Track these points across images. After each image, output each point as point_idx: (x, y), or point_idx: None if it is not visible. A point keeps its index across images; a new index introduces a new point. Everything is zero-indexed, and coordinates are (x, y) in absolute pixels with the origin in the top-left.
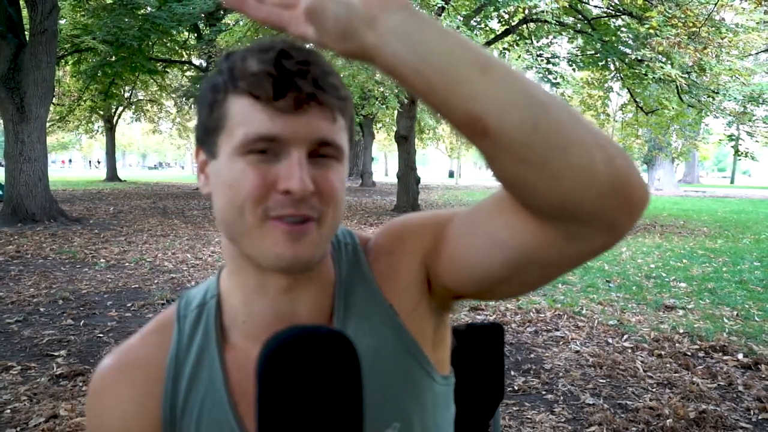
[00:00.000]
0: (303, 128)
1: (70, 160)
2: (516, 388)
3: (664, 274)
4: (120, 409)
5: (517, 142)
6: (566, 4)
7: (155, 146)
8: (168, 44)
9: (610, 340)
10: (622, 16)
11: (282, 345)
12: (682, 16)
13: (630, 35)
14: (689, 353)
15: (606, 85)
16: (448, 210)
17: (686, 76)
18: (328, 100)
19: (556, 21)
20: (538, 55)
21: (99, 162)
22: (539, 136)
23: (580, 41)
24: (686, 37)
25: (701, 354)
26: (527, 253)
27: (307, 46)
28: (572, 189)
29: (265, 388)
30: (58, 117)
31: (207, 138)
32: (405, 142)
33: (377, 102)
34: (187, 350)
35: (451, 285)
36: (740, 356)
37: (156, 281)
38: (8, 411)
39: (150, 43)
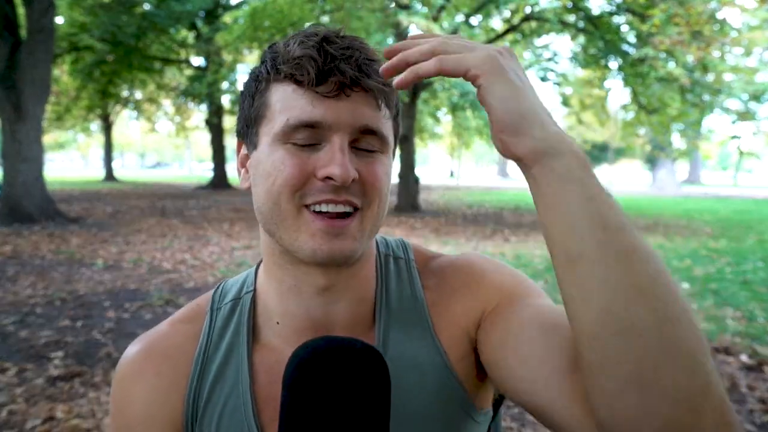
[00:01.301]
0: (345, 114)
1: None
2: None
3: None
4: (144, 398)
5: (609, 363)
6: (568, 2)
7: (153, 145)
8: (166, 43)
9: None
10: (624, 14)
11: (314, 355)
12: (685, 14)
13: (632, 33)
14: None
15: (605, 84)
16: (529, 285)
17: (689, 74)
18: (372, 86)
19: (558, 20)
20: (538, 54)
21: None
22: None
23: (581, 40)
24: (689, 36)
25: None
26: (555, 423)
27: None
28: (665, 420)
29: (292, 398)
30: (55, 116)
31: (248, 129)
32: (405, 141)
33: None
34: (217, 346)
35: (482, 360)
36: (744, 357)
37: (154, 282)
38: (4, 413)
39: (147, 42)
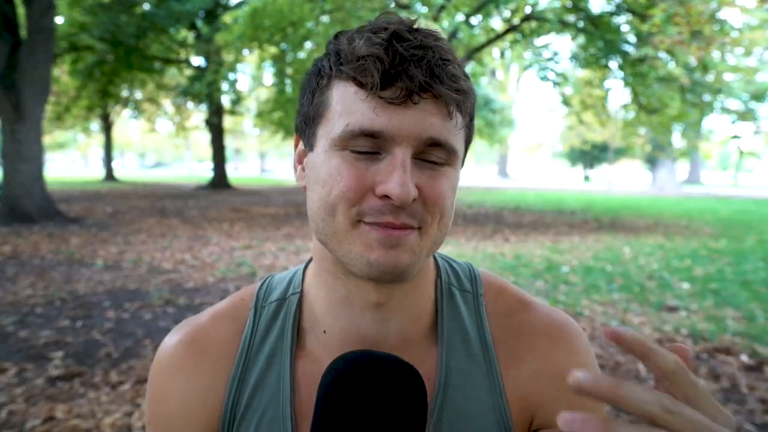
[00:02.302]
0: (411, 124)
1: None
2: None
3: (666, 275)
4: (182, 395)
5: None
6: (568, 2)
7: (154, 145)
8: (165, 43)
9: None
10: (624, 14)
11: (352, 370)
12: (685, 14)
13: (632, 33)
14: (692, 354)
15: (605, 84)
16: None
17: (689, 74)
18: (444, 93)
19: (558, 19)
20: (538, 54)
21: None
22: None
23: (581, 40)
24: (689, 36)
25: (704, 355)
26: None
27: (423, 24)
28: None
29: (325, 411)
30: (55, 116)
31: (306, 127)
32: None
33: None
34: (259, 349)
35: None
36: (744, 357)
37: (154, 282)
38: (4, 413)
39: (147, 42)
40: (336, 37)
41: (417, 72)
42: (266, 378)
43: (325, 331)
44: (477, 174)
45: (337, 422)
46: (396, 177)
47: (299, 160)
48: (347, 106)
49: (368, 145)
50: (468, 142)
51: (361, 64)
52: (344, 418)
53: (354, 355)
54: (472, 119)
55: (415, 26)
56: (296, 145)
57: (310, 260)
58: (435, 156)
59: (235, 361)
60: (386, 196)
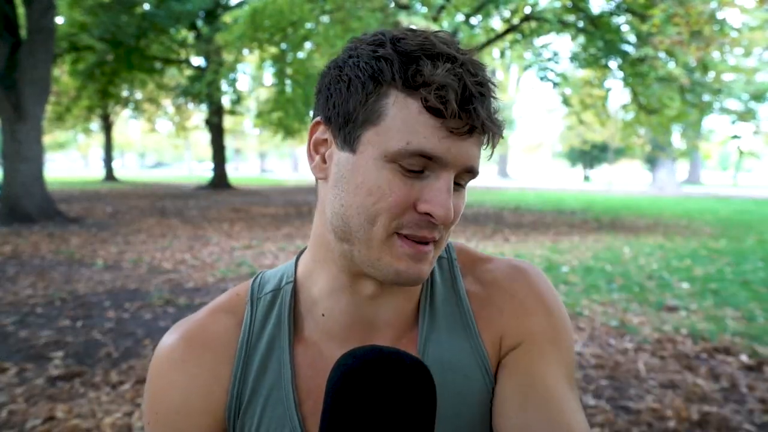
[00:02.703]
0: (463, 154)
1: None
2: None
3: (666, 275)
4: (184, 388)
5: None
6: (568, 2)
7: (154, 145)
8: (166, 43)
9: (611, 341)
10: (624, 14)
11: (362, 366)
12: (685, 14)
13: (632, 33)
14: (692, 354)
15: (605, 84)
16: (567, 338)
17: (689, 74)
18: (491, 130)
19: (558, 20)
20: (538, 54)
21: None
22: None
23: (581, 40)
24: (689, 36)
25: (704, 355)
26: None
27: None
28: None
29: (335, 407)
30: (55, 116)
31: (345, 125)
32: None
33: None
34: (258, 337)
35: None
36: (744, 357)
37: (154, 281)
38: (4, 413)
39: (147, 42)
40: (395, 42)
41: (481, 110)
42: (268, 363)
43: (323, 314)
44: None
45: (347, 418)
46: (442, 200)
47: (316, 149)
48: (410, 124)
49: (419, 165)
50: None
51: (441, 94)
52: (354, 414)
53: (362, 351)
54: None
55: (470, 57)
56: (312, 132)
57: (302, 251)
58: (464, 180)
59: (237, 350)
60: (428, 214)
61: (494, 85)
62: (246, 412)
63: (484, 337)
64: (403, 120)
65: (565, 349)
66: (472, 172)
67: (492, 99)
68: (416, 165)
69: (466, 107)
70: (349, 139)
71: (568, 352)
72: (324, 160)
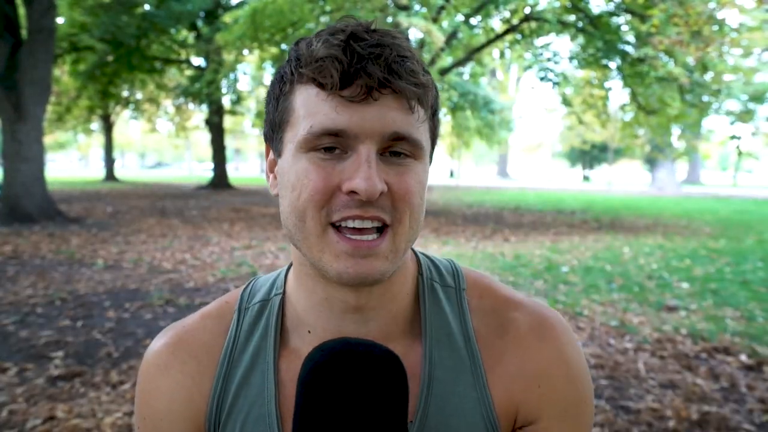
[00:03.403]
0: (373, 120)
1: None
2: None
3: (666, 275)
4: (169, 394)
5: None
6: (567, 2)
7: (154, 145)
8: (166, 43)
9: (611, 341)
10: (624, 14)
11: (330, 359)
12: (684, 14)
13: (631, 34)
14: (691, 354)
15: (606, 84)
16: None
17: (689, 74)
18: (404, 88)
19: (557, 20)
20: (538, 54)
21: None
22: None
23: (581, 40)
24: (688, 36)
25: (704, 355)
26: None
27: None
28: None
29: (306, 402)
30: (55, 116)
31: (273, 134)
32: None
33: None
34: (243, 349)
35: None
36: (743, 357)
37: (154, 282)
38: (5, 413)
39: (148, 42)
40: (296, 43)
41: (375, 69)
42: (251, 377)
43: (309, 331)
44: (477, 174)
45: (318, 412)
46: (361, 173)
47: (271, 168)
48: (309, 108)
49: (333, 144)
50: (434, 137)
51: (320, 65)
52: (325, 408)
53: (331, 345)
54: (435, 113)
55: (372, 27)
56: (267, 154)
57: (291, 265)
58: (400, 148)
59: (219, 361)
60: (353, 192)
61: (403, 47)
62: (225, 426)
63: (494, 393)
64: (305, 107)
65: (585, 424)
66: (404, 138)
67: (402, 59)
68: (330, 143)
69: (354, 70)
70: (277, 147)
71: (588, 426)
72: (276, 177)
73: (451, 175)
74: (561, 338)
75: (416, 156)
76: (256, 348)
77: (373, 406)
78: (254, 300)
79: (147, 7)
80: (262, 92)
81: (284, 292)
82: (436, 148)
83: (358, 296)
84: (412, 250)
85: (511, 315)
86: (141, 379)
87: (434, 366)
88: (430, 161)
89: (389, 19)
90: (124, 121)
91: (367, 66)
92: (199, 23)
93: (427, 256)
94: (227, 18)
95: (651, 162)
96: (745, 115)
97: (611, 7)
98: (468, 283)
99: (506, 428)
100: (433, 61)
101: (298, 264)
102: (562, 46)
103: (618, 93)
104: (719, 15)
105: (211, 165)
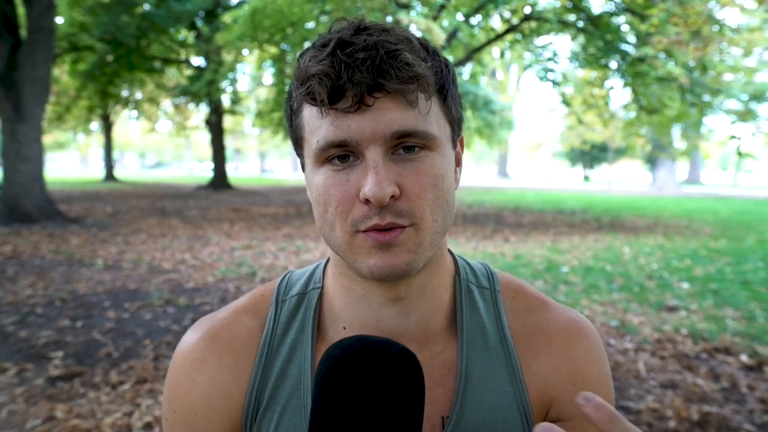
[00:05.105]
0: (372, 125)
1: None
2: None
3: (666, 275)
4: (205, 388)
5: None
6: (567, 2)
7: (154, 145)
8: (166, 43)
9: (611, 341)
10: (624, 14)
11: (348, 356)
12: (684, 14)
13: (632, 33)
14: (692, 354)
15: (606, 84)
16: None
17: (689, 74)
18: (396, 87)
19: (558, 19)
20: (538, 54)
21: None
22: None
23: (581, 39)
24: (688, 36)
25: (704, 355)
26: None
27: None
28: None
29: (323, 398)
30: (55, 116)
31: (297, 150)
32: None
33: None
34: (281, 341)
35: None
36: (744, 357)
37: (154, 282)
38: (4, 413)
39: (148, 42)
40: (300, 56)
41: (362, 76)
42: (288, 369)
43: (345, 328)
44: (477, 174)
45: (336, 408)
46: (369, 179)
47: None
48: (312, 125)
49: (344, 152)
50: (452, 119)
51: (310, 85)
52: (342, 404)
53: (349, 341)
54: (447, 94)
55: (363, 26)
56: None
57: (328, 259)
58: (410, 143)
59: (258, 353)
60: (367, 200)
61: (393, 41)
62: (263, 417)
63: (530, 388)
64: (308, 124)
65: None
66: (409, 134)
67: (393, 54)
68: (338, 153)
69: (343, 83)
70: (302, 161)
71: None
72: None
73: None
74: (592, 340)
75: (430, 147)
76: (294, 341)
77: (389, 402)
78: (291, 293)
79: (147, 6)
80: (262, 92)
81: (322, 287)
82: (462, 125)
83: (398, 289)
84: (450, 253)
85: (545, 315)
86: (174, 372)
87: (470, 363)
88: (455, 143)
89: (389, 18)
90: (124, 121)
91: (355, 75)
92: (199, 23)
93: (464, 259)
94: (227, 18)
95: (651, 162)
96: (746, 115)
97: (611, 6)
98: (502, 285)
99: (539, 420)
100: None
101: (335, 263)
102: (562, 45)
103: (619, 92)
104: (719, 15)
105: (211, 165)
